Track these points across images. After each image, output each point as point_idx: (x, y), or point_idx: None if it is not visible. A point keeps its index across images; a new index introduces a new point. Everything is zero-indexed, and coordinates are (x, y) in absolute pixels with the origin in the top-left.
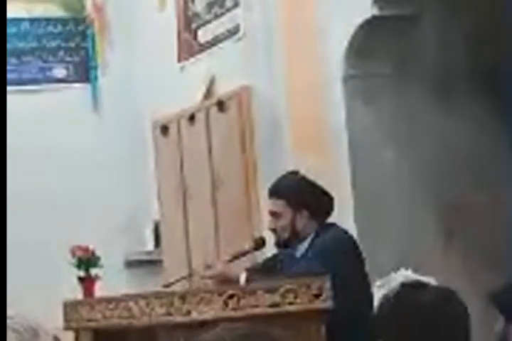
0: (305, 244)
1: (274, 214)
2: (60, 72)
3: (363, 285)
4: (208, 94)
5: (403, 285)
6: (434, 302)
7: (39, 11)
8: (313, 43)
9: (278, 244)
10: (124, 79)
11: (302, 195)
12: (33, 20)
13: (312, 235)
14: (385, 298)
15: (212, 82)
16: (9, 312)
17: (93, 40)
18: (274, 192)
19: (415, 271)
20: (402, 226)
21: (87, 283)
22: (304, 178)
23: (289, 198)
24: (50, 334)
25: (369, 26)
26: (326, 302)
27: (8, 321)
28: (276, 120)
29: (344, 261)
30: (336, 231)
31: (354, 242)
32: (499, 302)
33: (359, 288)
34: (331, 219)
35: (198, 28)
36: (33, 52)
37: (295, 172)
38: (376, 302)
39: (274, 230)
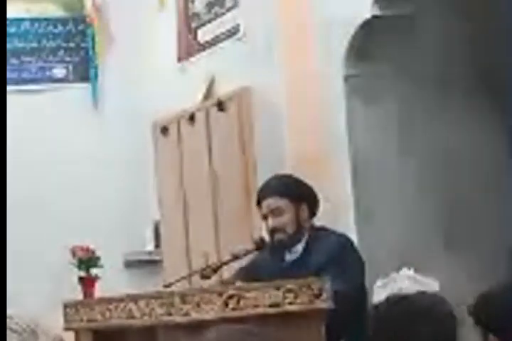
0: (299, 248)
1: (274, 212)
2: (60, 71)
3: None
4: (208, 94)
5: (387, 299)
6: (420, 308)
7: (39, 10)
8: (314, 43)
9: (279, 244)
10: (124, 79)
11: (300, 189)
12: (33, 20)
13: (305, 238)
14: (378, 304)
15: (212, 82)
16: (8, 312)
17: (93, 39)
18: (272, 190)
19: (416, 271)
20: (403, 225)
21: (87, 283)
22: (293, 176)
23: (288, 193)
24: (49, 335)
25: (369, 26)
26: (326, 302)
27: (7, 321)
28: (276, 120)
29: (356, 270)
30: (335, 236)
31: (353, 244)
32: (476, 314)
33: (364, 293)
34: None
35: (198, 28)
36: (33, 52)
37: (282, 174)
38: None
39: (275, 230)
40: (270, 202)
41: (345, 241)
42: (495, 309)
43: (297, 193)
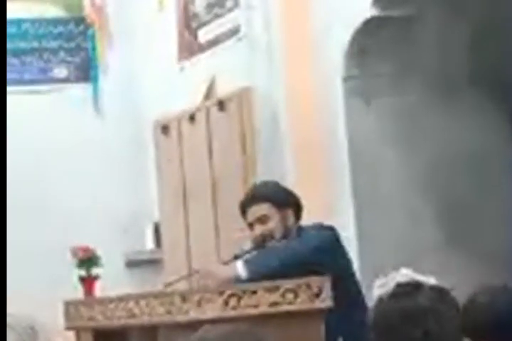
0: None
1: (261, 219)
2: (60, 72)
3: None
4: (209, 94)
5: (398, 285)
6: (426, 303)
7: (40, 11)
8: (314, 43)
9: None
10: (125, 80)
11: (284, 195)
12: (33, 21)
13: (294, 237)
14: (380, 300)
15: (212, 82)
16: (10, 309)
17: (93, 40)
18: (256, 197)
19: (415, 270)
20: (403, 225)
21: (87, 282)
22: (277, 182)
23: (273, 200)
24: (48, 332)
25: (369, 26)
26: (325, 302)
27: (7, 319)
28: (277, 120)
29: (316, 236)
30: (317, 224)
31: (335, 231)
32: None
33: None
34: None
35: (199, 28)
36: (33, 52)
37: (264, 181)
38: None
39: (264, 237)
40: (255, 210)
41: (323, 224)
42: (481, 315)
43: (282, 199)
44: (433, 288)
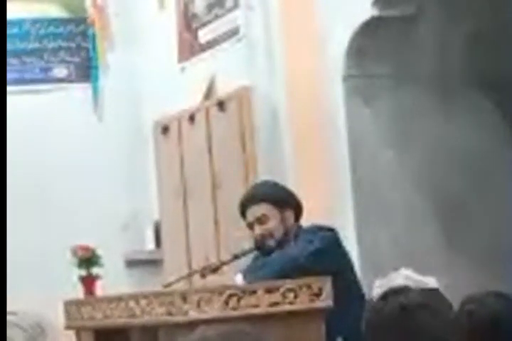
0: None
1: (261, 219)
2: (61, 72)
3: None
4: (209, 94)
5: (389, 289)
6: (418, 299)
7: (40, 11)
8: (314, 43)
9: (269, 250)
10: (125, 80)
11: (284, 194)
12: (34, 21)
13: (293, 237)
14: (372, 299)
15: (212, 82)
16: (13, 308)
17: (94, 40)
18: (257, 197)
19: (415, 270)
20: (403, 225)
21: (88, 282)
22: (276, 182)
23: (273, 199)
24: (56, 331)
25: (369, 27)
26: (326, 302)
27: (13, 317)
28: (276, 120)
29: (313, 241)
30: (317, 225)
31: (335, 231)
32: None
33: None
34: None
35: (199, 28)
36: (34, 52)
37: (263, 181)
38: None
39: (263, 236)
40: (255, 210)
41: (322, 225)
42: (469, 322)
43: (281, 199)
44: (423, 289)
